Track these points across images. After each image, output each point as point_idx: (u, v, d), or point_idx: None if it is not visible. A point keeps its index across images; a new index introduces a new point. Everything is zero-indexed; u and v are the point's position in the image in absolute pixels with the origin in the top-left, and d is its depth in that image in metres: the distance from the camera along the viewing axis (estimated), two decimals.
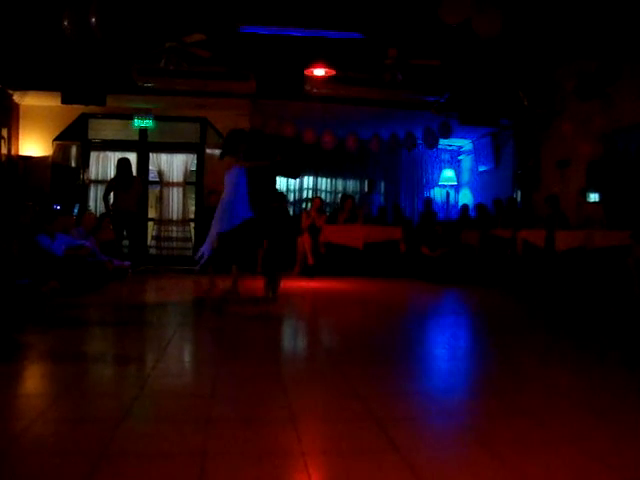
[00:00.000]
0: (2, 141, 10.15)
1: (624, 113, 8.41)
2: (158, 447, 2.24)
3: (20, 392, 3.11)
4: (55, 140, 11.01)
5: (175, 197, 11.82)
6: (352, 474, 2.04)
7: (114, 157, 11.01)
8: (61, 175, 11.13)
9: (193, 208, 11.91)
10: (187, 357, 4.22)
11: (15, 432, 2.35)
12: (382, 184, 14.44)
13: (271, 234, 6.84)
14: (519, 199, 11.39)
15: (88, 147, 11.37)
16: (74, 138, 11.16)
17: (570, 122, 9.39)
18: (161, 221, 11.76)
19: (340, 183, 14.38)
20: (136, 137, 11.46)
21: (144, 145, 11.49)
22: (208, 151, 11.28)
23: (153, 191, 12.10)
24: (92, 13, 6.39)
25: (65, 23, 6.50)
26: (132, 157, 10.59)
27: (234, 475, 2.00)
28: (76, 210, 10.89)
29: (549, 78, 9.78)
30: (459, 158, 14.57)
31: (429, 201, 13.25)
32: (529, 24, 7.66)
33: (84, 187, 11.40)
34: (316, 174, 14.13)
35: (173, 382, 3.30)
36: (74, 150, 11.43)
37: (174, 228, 11.78)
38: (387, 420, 2.58)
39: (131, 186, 9.55)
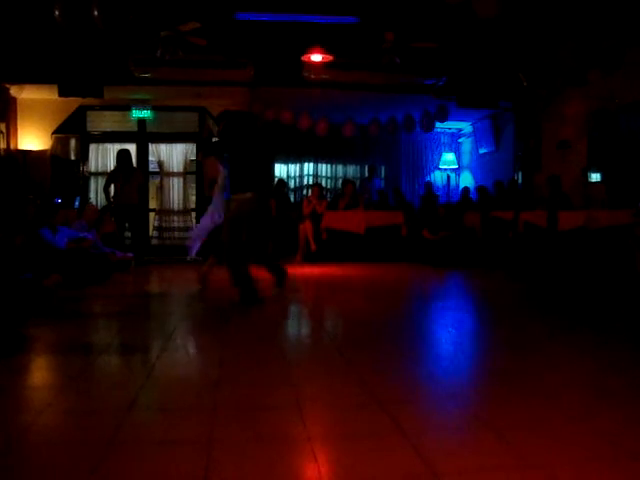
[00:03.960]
0: (1, 135, 10.13)
1: (627, 91, 8.36)
2: (165, 435, 2.26)
3: (27, 384, 3.13)
4: (54, 133, 10.98)
5: (176, 187, 11.81)
6: (358, 458, 2.05)
7: (113, 149, 11.00)
8: (61, 168, 11.11)
9: (194, 198, 11.90)
10: (192, 346, 4.24)
11: (23, 424, 2.37)
12: (382, 169, 14.41)
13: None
14: (520, 181, 11.36)
15: (87, 139, 11.35)
16: (73, 131, 11.13)
17: (572, 102, 9.36)
18: (162, 211, 11.77)
19: (340, 169, 14.35)
20: (135, 128, 11.42)
21: (143, 136, 11.45)
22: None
23: (153, 182, 12.09)
24: (93, 4, 6.42)
25: (57, 12, 6.49)
26: (131, 148, 10.57)
27: (241, 461, 2.02)
28: (77, 203, 10.89)
29: (549, 58, 9.71)
30: (459, 141, 14.52)
31: (430, 185, 13.24)
32: (527, 3, 7.60)
33: (84, 179, 11.39)
34: (316, 160, 14.10)
35: (178, 371, 3.32)
36: (73, 143, 11.41)
37: (175, 218, 11.79)
38: (392, 404, 2.60)
39: (131, 177, 9.55)
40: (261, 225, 5.65)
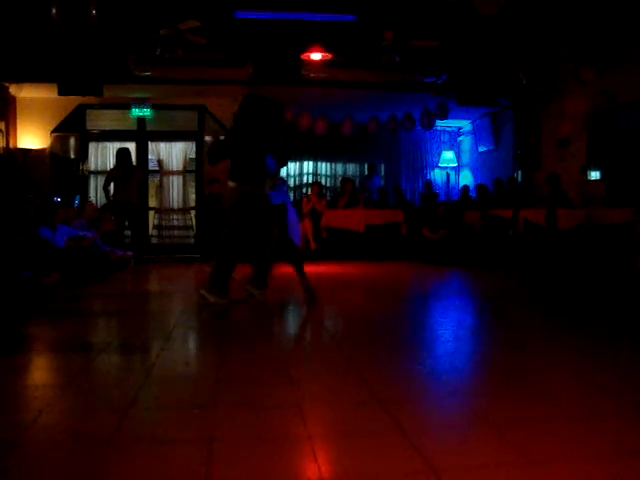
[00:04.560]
0: (0, 134, 10.13)
1: (627, 89, 8.35)
2: (165, 434, 2.26)
3: (27, 383, 3.13)
4: (53, 132, 10.98)
5: (175, 186, 11.82)
6: (358, 456, 2.05)
7: (113, 147, 11.01)
8: (60, 167, 11.11)
9: (193, 196, 11.91)
10: (191, 344, 4.23)
11: (24, 423, 2.36)
12: (382, 167, 14.41)
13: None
14: (520, 179, 11.36)
15: (86, 138, 11.35)
16: (72, 129, 11.13)
17: (572, 100, 9.35)
18: (162, 210, 11.77)
19: (340, 167, 14.34)
20: (134, 127, 11.43)
21: (143, 134, 11.45)
22: (207, 138, 11.25)
23: (153, 180, 12.10)
24: (92, 3, 6.43)
25: (53, 11, 6.51)
26: (131, 147, 10.58)
27: (241, 459, 2.02)
28: (77, 201, 10.90)
29: (548, 56, 9.71)
30: (459, 139, 14.51)
31: (429, 183, 13.24)
32: (527, 1, 7.60)
33: (84, 178, 11.39)
34: (315, 159, 14.09)
35: (178, 369, 3.32)
36: (72, 141, 11.41)
37: (175, 217, 11.80)
38: (392, 402, 2.59)
39: (131, 176, 9.55)
40: (253, 218, 5.29)
